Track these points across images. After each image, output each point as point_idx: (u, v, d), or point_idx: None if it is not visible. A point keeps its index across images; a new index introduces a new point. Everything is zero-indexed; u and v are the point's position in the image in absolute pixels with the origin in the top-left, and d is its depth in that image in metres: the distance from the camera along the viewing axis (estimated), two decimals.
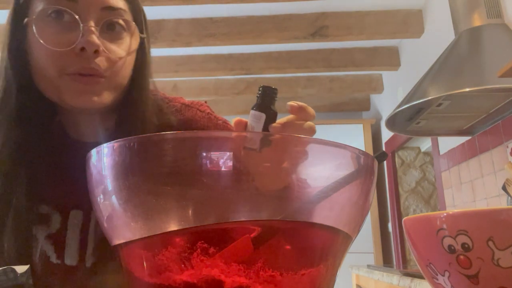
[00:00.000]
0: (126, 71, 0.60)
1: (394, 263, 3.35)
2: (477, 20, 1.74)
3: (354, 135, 3.75)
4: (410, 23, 2.72)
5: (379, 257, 3.46)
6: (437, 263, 0.37)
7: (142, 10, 0.64)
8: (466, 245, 0.34)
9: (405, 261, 3.22)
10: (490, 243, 0.33)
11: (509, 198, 1.52)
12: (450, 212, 0.36)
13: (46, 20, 0.55)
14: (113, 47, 0.57)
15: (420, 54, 2.78)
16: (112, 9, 0.57)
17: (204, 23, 2.73)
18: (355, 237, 0.37)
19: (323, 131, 3.61)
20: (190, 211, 0.32)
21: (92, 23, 0.55)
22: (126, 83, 0.61)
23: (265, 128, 0.45)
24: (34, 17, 0.55)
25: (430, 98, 1.59)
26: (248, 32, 2.75)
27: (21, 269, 0.37)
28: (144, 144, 0.33)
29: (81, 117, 0.63)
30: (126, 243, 0.34)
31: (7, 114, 0.58)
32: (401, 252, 3.25)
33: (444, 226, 0.36)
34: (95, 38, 0.54)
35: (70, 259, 0.61)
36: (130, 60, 0.60)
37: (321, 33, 2.73)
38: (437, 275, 0.38)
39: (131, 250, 0.34)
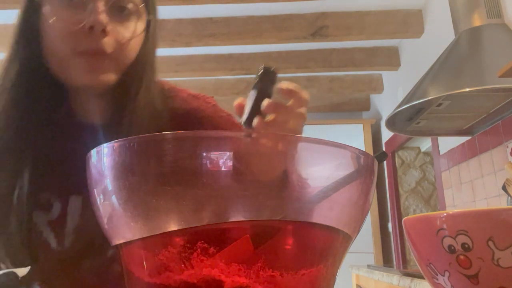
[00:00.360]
0: (132, 52, 0.61)
1: (394, 263, 3.35)
2: (477, 20, 1.74)
3: (354, 135, 3.75)
4: (410, 23, 2.72)
5: (379, 257, 3.46)
6: (437, 263, 0.37)
7: None
8: (466, 245, 0.34)
9: (405, 261, 3.22)
10: (490, 243, 0.33)
11: (509, 198, 1.52)
12: (450, 212, 0.36)
13: (56, 1, 0.57)
14: (121, 28, 0.59)
15: (420, 54, 2.78)
16: None
17: (204, 23, 2.73)
18: (355, 237, 0.37)
19: (323, 131, 3.61)
20: (190, 211, 0.32)
21: (101, 4, 0.56)
22: (131, 62, 0.62)
23: (255, 106, 0.47)
24: None
25: (430, 98, 1.59)
26: (248, 32, 2.75)
27: (22, 272, 0.37)
28: (144, 144, 0.33)
29: (87, 98, 0.64)
30: (126, 243, 0.34)
31: (16, 97, 0.59)
32: (401, 252, 3.25)
33: (444, 226, 0.36)
34: (102, 18, 0.56)
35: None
36: (137, 41, 0.62)
37: (321, 33, 2.73)
38: (437, 275, 0.38)
39: (131, 250, 0.34)
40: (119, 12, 0.59)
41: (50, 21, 0.56)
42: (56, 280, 0.63)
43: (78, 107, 0.65)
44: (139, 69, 0.63)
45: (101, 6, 0.56)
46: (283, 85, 0.49)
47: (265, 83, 0.47)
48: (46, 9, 0.57)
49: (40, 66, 0.59)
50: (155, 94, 0.65)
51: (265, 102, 0.47)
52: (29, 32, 0.59)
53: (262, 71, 0.47)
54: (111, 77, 0.59)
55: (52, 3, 0.57)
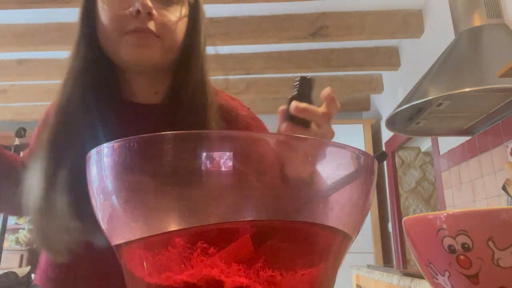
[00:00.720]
0: (177, 35, 0.68)
1: (394, 263, 3.35)
2: (477, 20, 1.74)
3: (354, 135, 3.75)
4: (410, 23, 2.72)
5: (379, 257, 3.46)
6: (437, 263, 0.37)
7: None
8: (466, 245, 0.34)
9: (405, 261, 3.22)
10: (490, 243, 0.33)
11: (509, 198, 1.52)
12: (450, 212, 0.36)
13: None
14: (165, 12, 0.66)
15: (420, 54, 2.78)
16: None
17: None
18: (355, 237, 0.37)
19: None
20: (190, 211, 0.32)
21: None
22: (178, 46, 0.69)
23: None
24: None
25: (430, 98, 1.59)
26: (248, 32, 2.75)
27: (22, 271, 0.37)
28: (144, 144, 0.33)
29: (135, 77, 0.71)
30: (126, 243, 0.34)
31: (75, 73, 0.66)
32: (401, 252, 3.25)
33: (444, 226, 0.36)
34: (148, 2, 0.63)
35: None
36: (181, 25, 0.68)
37: (321, 33, 2.73)
38: (437, 275, 0.38)
39: (131, 250, 0.34)
40: None
41: (102, 6, 0.64)
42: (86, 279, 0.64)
43: (126, 87, 0.72)
44: (186, 52, 0.70)
45: None
46: (327, 91, 0.51)
47: (302, 90, 0.48)
48: None
49: (96, 47, 0.67)
50: (207, 80, 0.71)
51: (294, 104, 0.49)
52: (86, 18, 0.67)
53: (299, 79, 0.48)
54: (156, 54, 0.65)
55: None
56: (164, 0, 0.66)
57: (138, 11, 0.62)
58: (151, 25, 0.64)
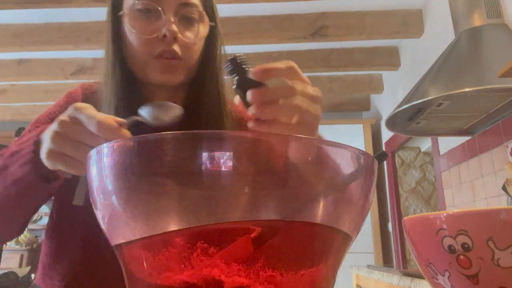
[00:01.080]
0: (197, 54, 0.73)
1: (394, 263, 3.35)
2: (477, 20, 1.74)
3: (354, 135, 3.75)
4: (410, 23, 2.72)
5: (379, 257, 3.46)
6: (437, 263, 0.37)
7: (213, 3, 0.77)
8: (466, 245, 0.34)
9: (405, 261, 3.22)
10: (490, 243, 0.33)
11: (509, 198, 1.52)
12: (450, 212, 0.36)
13: (135, 13, 0.69)
14: (188, 33, 0.70)
15: (420, 54, 2.78)
16: (188, 4, 0.71)
17: None
18: (355, 237, 0.37)
19: (323, 131, 3.59)
20: (190, 211, 0.32)
21: (171, 15, 0.68)
22: (196, 64, 0.73)
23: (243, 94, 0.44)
24: (127, 11, 0.69)
25: (430, 98, 1.59)
26: (248, 32, 2.75)
27: (22, 271, 0.37)
28: (144, 144, 0.33)
29: (156, 90, 0.75)
30: (126, 243, 0.34)
31: (112, 87, 0.70)
32: (401, 252, 3.25)
33: (444, 226, 0.36)
34: (174, 27, 0.68)
35: None
36: (201, 45, 0.74)
37: (321, 33, 2.73)
38: (437, 275, 0.38)
39: (131, 250, 0.34)
40: (186, 20, 0.71)
41: (131, 31, 0.69)
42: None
43: (149, 98, 0.75)
44: (204, 67, 0.74)
45: (171, 17, 0.68)
46: (255, 68, 0.46)
47: (238, 70, 0.44)
48: (127, 20, 0.69)
49: (124, 64, 0.72)
50: (222, 92, 0.75)
51: (248, 93, 0.45)
52: (115, 40, 0.72)
53: (228, 63, 0.44)
54: (181, 76, 0.71)
55: (132, 16, 0.69)
56: (187, 20, 0.71)
57: (164, 36, 0.67)
58: (176, 47, 0.69)
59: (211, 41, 0.76)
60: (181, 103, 0.73)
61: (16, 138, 0.73)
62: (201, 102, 0.74)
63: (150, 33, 0.68)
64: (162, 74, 0.70)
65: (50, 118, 0.76)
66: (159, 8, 0.68)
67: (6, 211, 0.60)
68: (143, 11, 0.69)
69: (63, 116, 0.51)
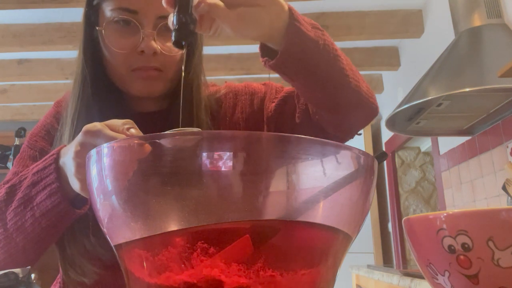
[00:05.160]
0: (178, 63, 0.72)
1: (394, 263, 3.35)
2: (477, 20, 1.74)
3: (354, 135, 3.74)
4: (410, 23, 2.72)
5: (379, 257, 3.46)
6: (437, 263, 0.37)
7: None
8: (466, 245, 0.34)
9: (405, 261, 3.22)
10: (490, 243, 0.33)
11: (509, 198, 1.52)
12: (450, 212, 0.36)
13: (113, 27, 0.67)
14: (168, 44, 0.68)
15: (420, 54, 2.78)
16: (166, 17, 0.68)
17: None
18: (355, 237, 0.37)
19: None
20: (190, 211, 0.32)
21: (150, 29, 0.66)
22: (177, 73, 0.73)
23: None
24: (103, 25, 0.68)
25: (430, 98, 1.59)
26: None
27: (22, 272, 0.37)
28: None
29: (140, 100, 0.76)
30: (126, 243, 0.34)
31: (86, 100, 0.70)
32: (401, 252, 3.25)
33: (444, 226, 0.36)
34: (153, 44, 0.66)
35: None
36: (180, 56, 0.71)
37: None
38: (437, 275, 0.38)
39: (131, 250, 0.34)
40: (166, 30, 0.67)
41: (109, 46, 0.67)
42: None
43: (134, 102, 0.77)
44: (186, 75, 0.73)
45: (150, 30, 0.66)
46: None
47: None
48: (103, 34, 0.68)
49: (102, 75, 0.71)
50: (202, 96, 0.75)
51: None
52: (90, 51, 0.71)
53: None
54: (160, 86, 0.71)
55: (110, 30, 0.67)
56: (166, 34, 0.68)
57: (142, 51, 0.66)
58: (155, 62, 0.68)
59: (189, 51, 0.75)
60: (166, 112, 0.75)
61: (17, 157, 0.74)
62: (178, 96, 0.73)
63: (128, 48, 0.67)
64: (141, 85, 0.69)
65: (45, 130, 0.77)
66: (137, 24, 0.66)
67: (36, 243, 0.61)
68: (120, 24, 0.67)
69: (78, 146, 0.52)
